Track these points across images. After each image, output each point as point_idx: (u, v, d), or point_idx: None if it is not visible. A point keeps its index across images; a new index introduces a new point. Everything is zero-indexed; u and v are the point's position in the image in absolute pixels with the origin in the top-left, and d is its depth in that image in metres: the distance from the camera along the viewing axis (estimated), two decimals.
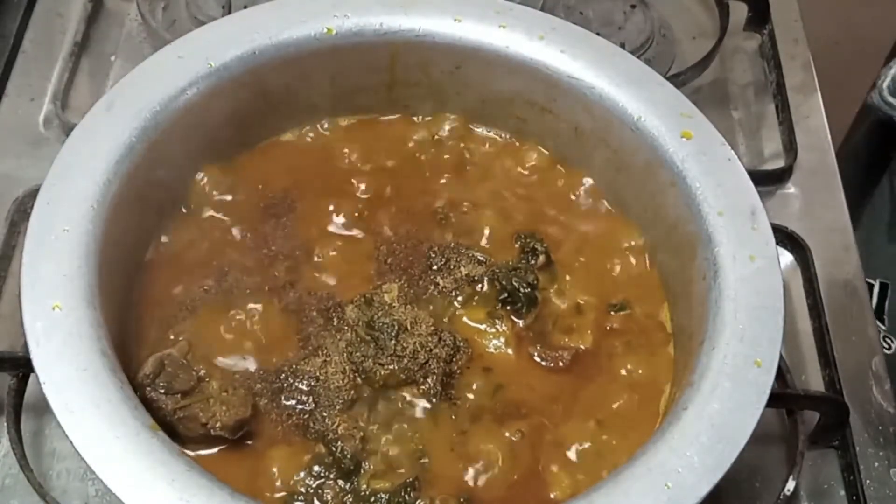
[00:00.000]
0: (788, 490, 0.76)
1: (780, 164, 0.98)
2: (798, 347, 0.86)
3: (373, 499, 0.67)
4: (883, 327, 1.02)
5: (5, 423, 0.74)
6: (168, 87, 0.75)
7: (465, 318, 0.76)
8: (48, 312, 0.63)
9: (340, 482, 0.67)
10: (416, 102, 0.87)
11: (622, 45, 0.98)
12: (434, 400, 0.71)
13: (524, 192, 0.85)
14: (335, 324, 0.74)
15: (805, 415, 0.80)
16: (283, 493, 0.67)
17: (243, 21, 0.80)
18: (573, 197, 0.85)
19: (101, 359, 0.62)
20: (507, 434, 0.71)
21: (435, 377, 0.71)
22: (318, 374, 0.71)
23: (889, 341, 0.97)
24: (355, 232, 0.81)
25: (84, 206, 0.68)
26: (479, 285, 0.77)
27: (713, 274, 0.71)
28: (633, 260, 0.81)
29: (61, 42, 1.00)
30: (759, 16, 1.08)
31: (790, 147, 0.98)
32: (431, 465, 0.69)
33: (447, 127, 0.87)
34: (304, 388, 0.71)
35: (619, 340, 0.77)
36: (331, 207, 0.81)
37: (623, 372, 0.75)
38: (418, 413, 0.71)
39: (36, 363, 0.61)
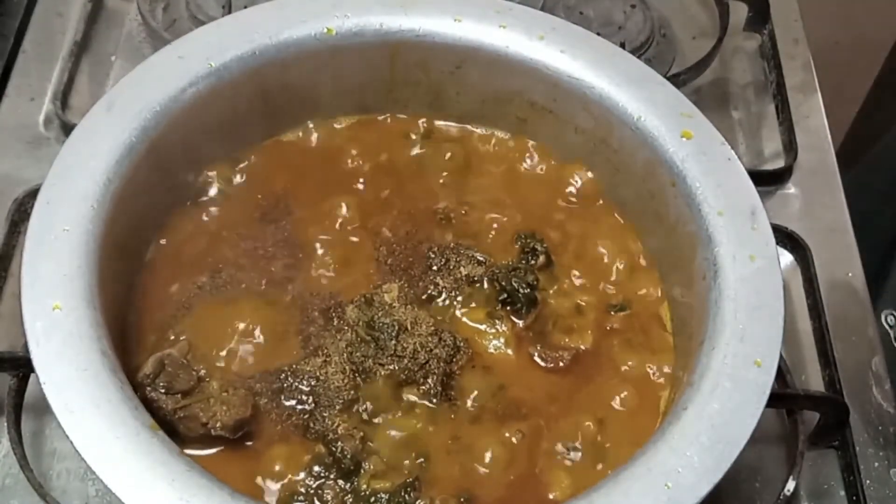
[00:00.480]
0: (788, 490, 0.76)
1: (780, 164, 0.98)
2: (798, 347, 0.86)
3: (373, 499, 0.67)
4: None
5: (5, 423, 0.74)
6: (168, 87, 0.75)
7: (465, 319, 0.76)
8: (48, 312, 0.63)
9: (340, 482, 0.67)
10: (416, 102, 0.87)
11: (622, 45, 0.98)
12: (434, 400, 0.72)
13: (524, 192, 0.85)
14: (335, 324, 0.74)
15: (805, 415, 0.80)
16: (283, 493, 0.67)
17: (243, 21, 0.80)
18: (573, 197, 0.85)
19: (101, 359, 0.62)
20: (507, 434, 0.71)
21: (435, 377, 0.71)
22: (318, 374, 0.71)
23: None
24: (355, 232, 0.81)
25: (84, 206, 0.68)
26: (479, 285, 0.77)
27: (713, 274, 0.71)
28: (633, 260, 0.81)
29: (61, 42, 1.00)
30: (759, 16, 1.08)
31: (790, 147, 0.98)
32: (431, 466, 0.69)
33: (447, 127, 0.88)
34: (305, 388, 0.71)
35: (619, 340, 0.77)
36: (331, 207, 0.81)
37: (623, 372, 0.75)
38: (418, 413, 0.71)
39: (36, 363, 0.61)
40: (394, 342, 0.71)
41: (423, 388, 0.71)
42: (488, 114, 0.87)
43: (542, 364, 0.75)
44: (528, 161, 0.86)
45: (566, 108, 0.83)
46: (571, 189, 0.85)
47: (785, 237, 0.91)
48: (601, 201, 0.84)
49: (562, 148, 0.86)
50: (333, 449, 0.68)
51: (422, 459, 0.69)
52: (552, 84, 0.81)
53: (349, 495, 0.67)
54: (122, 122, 0.72)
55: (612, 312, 0.78)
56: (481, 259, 0.78)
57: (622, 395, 0.74)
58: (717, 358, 0.66)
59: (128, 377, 0.64)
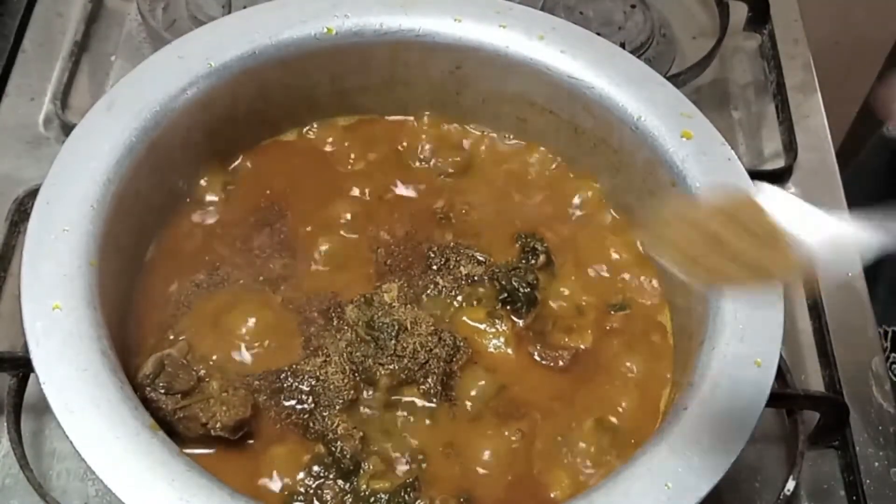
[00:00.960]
0: (788, 490, 0.76)
1: (780, 164, 0.98)
2: (798, 347, 0.86)
3: (373, 499, 0.67)
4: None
5: (5, 423, 0.74)
6: (168, 87, 0.75)
7: (465, 318, 0.76)
8: (48, 312, 0.63)
9: (340, 482, 0.67)
10: (416, 102, 0.87)
11: (622, 45, 0.98)
12: (434, 400, 0.72)
13: (524, 191, 0.85)
14: (335, 324, 0.74)
15: (805, 415, 0.80)
16: (282, 493, 0.67)
17: (243, 21, 0.80)
18: (573, 197, 0.84)
19: (101, 359, 0.62)
20: (507, 434, 0.71)
21: (435, 377, 0.71)
22: (318, 374, 0.71)
23: None
24: (355, 231, 0.81)
25: (84, 206, 0.68)
26: (479, 285, 0.77)
27: None
28: (633, 259, 0.81)
29: (61, 42, 1.00)
30: (759, 16, 1.08)
31: (790, 147, 0.98)
32: (431, 466, 0.69)
33: (447, 127, 0.87)
34: (304, 387, 0.71)
35: (619, 340, 0.77)
36: (331, 207, 0.81)
37: (623, 372, 0.75)
38: (418, 413, 0.71)
39: (36, 363, 0.61)
40: (394, 342, 0.71)
41: (423, 387, 0.71)
42: (488, 114, 0.87)
43: (542, 363, 0.75)
44: (528, 161, 0.86)
45: (566, 108, 0.83)
46: (571, 188, 0.85)
47: None
48: (601, 201, 0.84)
49: (562, 148, 0.86)
50: (333, 449, 0.68)
51: (422, 459, 0.69)
52: (552, 84, 0.81)
53: (349, 495, 0.67)
54: (122, 122, 0.72)
55: (612, 312, 0.78)
56: (481, 259, 0.78)
57: (622, 395, 0.74)
58: (717, 358, 0.66)
59: (128, 377, 0.64)
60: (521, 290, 0.76)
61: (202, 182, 0.81)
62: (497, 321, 0.76)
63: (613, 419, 0.73)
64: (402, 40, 0.82)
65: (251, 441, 0.69)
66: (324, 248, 0.79)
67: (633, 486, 0.61)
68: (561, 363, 0.75)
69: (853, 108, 1.63)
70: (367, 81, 0.85)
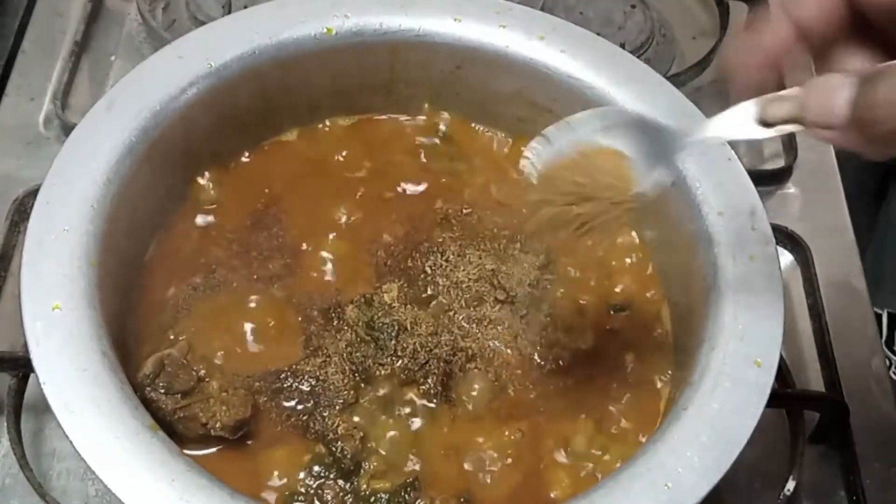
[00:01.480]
0: (788, 490, 0.76)
1: (780, 164, 0.98)
2: (798, 347, 0.86)
3: (373, 499, 0.67)
4: (894, 357, 1.01)
5: (5, 423, 0.74)
6: (168, 87, 0.75)
7: (464, 318, 0.76)
8: (48, 312, 0.63)
9: (340, 482, 0.68)
10: (416, 102, 0.87)
11: (622, 45, 0.98)
12: (434, 400, 0.72)
13: (524, 191, 0.85)
14: (335, 324, 0.74)
15: (805, 415, 0.80)
16: (283, 493, 0.67)
17: (243, 21, 0.80)
18: None
19: (101, 359, 0.62)
20: (507, 434, 0.71)
21: (435, 377, 0.71)
22: (318, 374, 0.71)
23: None
24: (355, 231, 0.81)
25: (84, 206, 0.68)
26: (479, 285, 0.77)
27: (713, 274, 0.71)
28: (633, 260, 0.81)
29: (61, 42, 1.00)
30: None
31: (790, 147, 0.98)
32: (431, 466, 0.69)
33: (447, 127, 0.87)
34: (304, 388, 0.71)
35: (619, 340, 0.77)
36: (331, 207, 0.81)
37: (623, 372, 0.75)
38: (418, 413, 0.71)
39: (36, 363, 0.61)
40: (394, 342, 0.71)
41: (423, 388, 0.71)
42: (488, 114, 0.87)
43: (542, 364, 0.75)
44: None
45: (566, 108, 0.82)
46: None
47: (785, 237, 0.91)
48: None
49: None
50: (333, 449, 0.68)
51: (422, 459, 0.69)
52: (552, 84, 0.81)
53: (349, 495, 0.67)
54: (122, 122, 0.72)
55: (612, 312, 0.78)
56: (481, 258, 0.78)
57: (622, 395, 0.74)
58: (717, 358, 0.66)
59: (127, 377, 0.64)
60: (521, 290, 0.76)
61: (202, 182, 0.81)
62: (497, 321, 0.76)
63: (613, 419, 0.73)
64: (402, 40, 0.82)
65: (251, 441, 0.69)
66: (324, 248, 0.79)
67: (633, 486, 0.61)
68: (561, 363, 0.75)
69: None
70: (367, 81, 0.85)
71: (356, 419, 0.70)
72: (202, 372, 0.69)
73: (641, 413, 0.73)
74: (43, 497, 0.71)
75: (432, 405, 0.71)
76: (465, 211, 0.83)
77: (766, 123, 0.49)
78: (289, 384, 0.71)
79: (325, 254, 0.79)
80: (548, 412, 0.73)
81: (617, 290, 0.79)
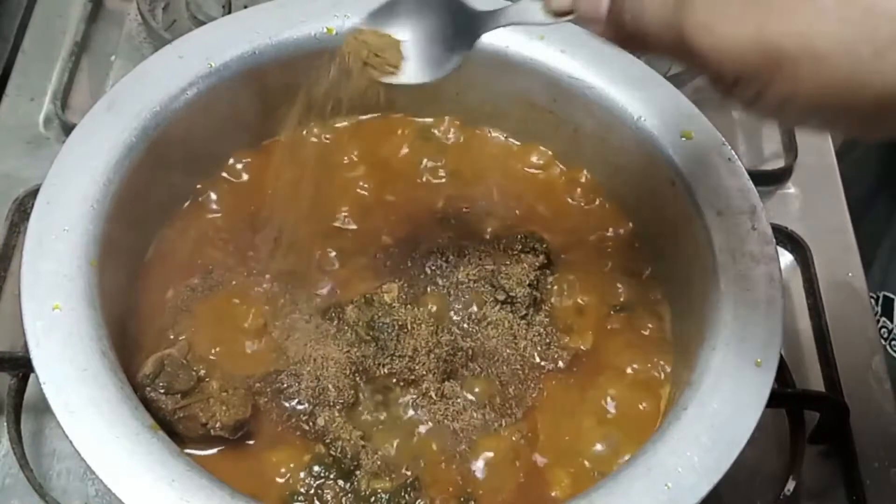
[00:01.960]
0: (788, 490, 0.76)
1: (780, 164, 0.98)
2: (798, 347, 0.86)
3: (373, 499, 0.67)
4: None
5: (5, 423, 0.74)
6: (168, 87, 0.75)
7: (464, 319, 0.76)
8: (48, 312, 0.63)
9: (340, 482, 0.67)
10: (416, 102, 0.87)
11: None
12: (434, 400, 0.71)
13: (524, 191, 0.85)
14: (335, 324, 0.74)
15: (805, 415, 0.80)
16: (282, 493, 0.67)
17: (243, 21, 0.80)
18: (573, 196, 0.85)
19: (101, 359, 0.62)
20: (506, 434, 0.71)
21: (435, 377, 0.71)
22: (318, 374, 0.71)
23: None
24: (355, 232, 0.81)
25: (84, 206, 0.68)
26: (479, 285, 0.77)
27: (713, 274, 0.71)
28: (633, 259, 0.81)
29: (61, 42, 1.00)
30: None
31: (790, 147, 0.98)
32: (431, 466, 0.69)
33: (447, 127, 0.87)
34: (304, 388, 0.71)
35: (619, 340, 0.77)
36: (331, 207, 0.81)
37: (623, 372, 0.75)
38: (418, 413, 0.71)
39: (36, 363, 0.61)
40: (394, 342, 0.71)
41: (423, 387, 0.71)
42: (488, 114, 0.87)
43: (542, 364, 0.75)
44: (529, 161, 0.86)
45: (566, 108, 0.82)
46: (571, 188, 0.85)
47: (785, 237, 0.91)
48: (601, 201, 0.84)
49: (562, 148, 0.86)
50: (333, 449, 0.68)
51: (422, 459, 0.69)
52: (552, 84, 0.81)
53: (349, 495, 0.67)
54: (122, 122, 0.73)
55: (613, 312, 0.78)
56: (481, 259, 0.78)
57: (622, 395, 0.74)
58: (717, 358, 0.66)
59: (127, 377, 0.64)
60: (521, 290, 0.76)
61: (202, 182, 0.81)
62: (497, 322, 0.76)
63: (613, 419, 0.73)
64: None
65: (251, 441, 0.69)
66: (324, 248, 0.79)
67: (633, 486, 0.61)
68: (561, 363, 0.75)
69: None
70: (367, 81, 0.85)
71: (356, 419, 0.70)
72: (202, 372, 0.69)
73: (641, 413, 0.73)
74: (43, 497, 0.71)
75: (432, 405, 0.71)
76: (464, 211, 0.83)
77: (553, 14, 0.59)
78: (288, 384, 0.71)
79: (324, 254, 0.79)
80: (548, 412, 0.73)
81: (617, 290, 0.79)
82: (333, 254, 0.79)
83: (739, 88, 0.49)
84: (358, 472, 0.68)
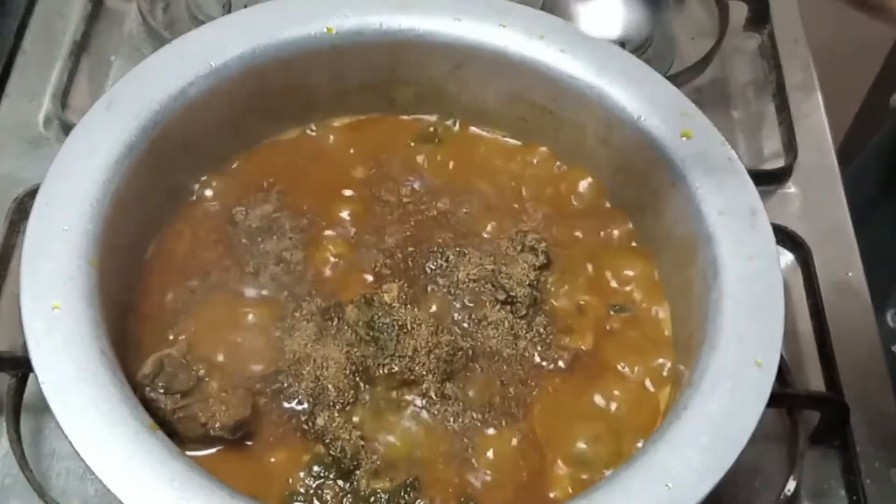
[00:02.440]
0: (788, 490, 0.76)
1: (780, 164, 0.98)
2: (798, 347, 0.86)
3: (373, 499, 0.67)
4: None
5: (5, 423, 0.74)
6: (168, 86, 0.75)
7: (465, 319, 0.76)
8: (48, 312, 0.63)
9: (340, 482, 0.67)
10: (416, 102, 0.87)
11: (622, 45, 0.98)
12: (434, 400, 0.71)
13: (524, 191, 0.85)
14: (335, 324, 0.74)
15: (805, 415, 0.80)
16: (282, 493, 0.67)
17: (243, 21, 0.80)
18: (573, 197, 0.85)
19: (100, 358, 0.62)
20: (507, 434, 0.71)
21: (435, 377, 0.71)
22: (317, 374, 0.71)
23: None
24: (355, 231, 0.81)
25: (84, 206, 0.68)
26: (479, 285, 0.77)
27: (713, 274, 0.71)
28: (633, 259, 0.81)
29: (61, 42, 1.00)
30: (759, 16, 1.08)
31: (790, 147, 0.98)
32: (431, 466, 0.69)
33: (447, 127, 0.87)
34: (304, 388, 0.71)
35: (619, 340, 0.77)
36: (331, 207, 0.81)
37: (623, 372, 0.75)
38: (418, 413, 0.71)
39: (35, 363, 0.61)
40: (394, 342, 0.71)
41: (423, 388, 0.71)
42: (488, 114, 0.87)
43: (542, 364, 0.75)
44: (529, 161, 0.86)
45: (566, 108, 0.82)
46: (571, 188, 0.85)
47: (785, 237, 0.91)
48: (601, 201, 0.84)
49: (562, 148, 0.86)
50: (333, 449, 0.68)
51: (422, 459, 0.69)
52: (552, 84, 0.81)
53: (349, 495, 0.67)
54: (122, 122, 0.72)
55: (612, 312, 0.78)
56: (481, 259, 0.78)
57: (622, 395, 0.74)
58: (717, 358, 0.66)
59: (127, 377, 0.64)
60: (521, 290, 0.76)
61: (202, 182, 0.81)
62: (497, 322, 0.76)
63: (613, 419, 0.73)
64: (402, 40, 0.82)
65: (251, 441, 0.69)
66: (324, 248, 0.79)
67: (633, 486, 0.61)
68: (561, 364, 0.75)
69: (853, 108, 1.63)
70: (367, 81, 0.85)
71: (356, 419, 0.70)
72: (202, 372, 0.69)
73: (641, 413, 0.73)
74: (43, 497, 0.71)
75: (432, 405, 0.71)
76: (465, 211, 0.83)
77: None
78: (288, 384, 0.71)
79: (324, 254, 0.79)
80: (548, 412, 0.73)
81: (617, 290, 0.79)
82: (333, 253, 0.79)
83: None
84: (357, 472, 0.68)
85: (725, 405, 0.64)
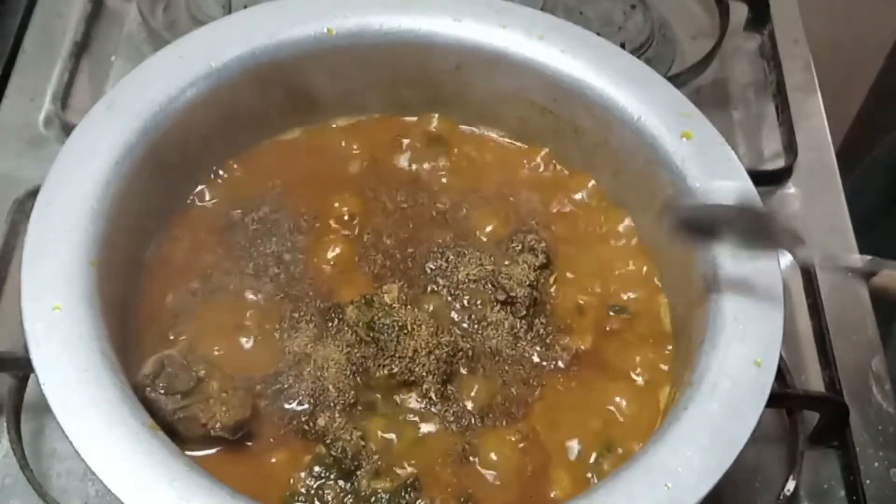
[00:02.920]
0: (788, 490, 0.76)
1: (780, 164, 0.98)
2: (798, 347, 0.86)
3: (373, 499, 0.67)
4: None
5: (5, 424, 0.74)
6: (168, 87, 0.75)
7: (464, 319, 0.76)
8: (48, 312, 0.63)
9: (341, 482, 0.67)
10: (416, 102, 0.87)
11: (622, 45, 0.98)
12: (434, 401, 0.71)
13: (524, 191, 0.85)
14: (335, 325, 0.74)
15: (805, 415, 0.80)
16: (283, 494, 0.67)
17: (243, 21, 0.80)
18: (573, 197, 0.84)
19: (101, 359, 0.62)
20: (506, 434, 0.71)
21: (435, 378, 0.71)
22: (318, 375, 0.71)
23: None
24: (355, 232, 0.81)
25: (84, 206, 0.68)
26: (479, 285, 0.77)
27: (713, 274, 0.71)
28: (632, 260, 0.81)
29: (61, 42, 1.00)
30: (759, 16, 1.08)
31: (790, 147, 0.98)
32: (432, 466, 0.69)
33: (447, 127, 0.87)
34: (304, 388, 0.71)
35: (618, 341, 0.77)
36: (331, 207, 0.81)
37: (623, 372, 0.75)
38: (419, 414, 0.71)
39: (36, 363, 0.61)
40: (394, 343, 0.71)
41: (424, 388, 0.71)
42: (488, 114, 0.87)
43: (543, 364, 0.75)
44: (528, 161, 0.86)
45: (566, 108, 0.83)
46: (571, 188, 0.85)
47: None
48: (601, 201, 0.84)
49: (562, 148, 0.86)
50: (333, 449, 0.68)
51: (422, 460, 0.69)
52: (552, 84, 0.81)
53: (349, 495, 0.67)
54: (122, 122, 0.73)
55: (612, 313, 0.78)
56: (481, 259, 0.78)
57: (622, 395, 0.74)
58: (717, 358, 0.66)
59: (127, 378, 0.64)
60: (521, 290, 0.76)
61: (202, 181, 0.81)
62: (497, 322, 0.76)
63: (613, 419, 0.73)
64: (402, 40, 0.82)
65: (251, 442, 0.69)
66: (323, 248, 0.79)
67: (633, 486, 0.61)
68: (561, 364, 0.75)
69: (853, 108, 1.63)
70: (367, 81, 0.85)
71: (356, 420, 0.70)
72: (202, 372, 0.69)
73: (641, 413, 0.73)
74: (43, 497, 0.71)
75: (432, 406, 0.71)
76: (464, 211, 0.83)
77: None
78: (289, 385, 0.71)
79: (324, 254, 0.79)
80: (548, 412, 0.73)
81: (616, 290, 0.79)
82: (334, 254, 0.79)
83: None
84: (358, 473, 0.68)
85: (725, 405, 0.64)
